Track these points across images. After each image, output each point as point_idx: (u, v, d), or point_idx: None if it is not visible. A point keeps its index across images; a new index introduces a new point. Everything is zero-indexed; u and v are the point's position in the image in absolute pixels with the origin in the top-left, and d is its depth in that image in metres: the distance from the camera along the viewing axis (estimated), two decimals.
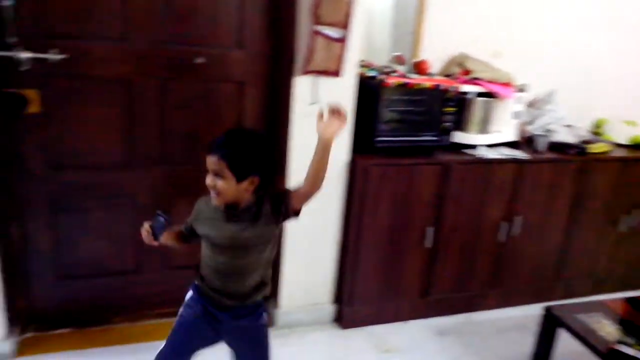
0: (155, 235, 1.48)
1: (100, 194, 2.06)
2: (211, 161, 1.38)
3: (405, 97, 2.19)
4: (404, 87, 2.14)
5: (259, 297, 1.53)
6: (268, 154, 1.48)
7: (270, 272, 1.56)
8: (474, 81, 2.40)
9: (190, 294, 1.56)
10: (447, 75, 2.45)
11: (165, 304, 2.29)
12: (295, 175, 2.14)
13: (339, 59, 2.01)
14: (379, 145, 2.20)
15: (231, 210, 1.45)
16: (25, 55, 1.78)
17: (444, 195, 2.32)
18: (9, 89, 1.83)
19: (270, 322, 2.35)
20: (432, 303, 2.53)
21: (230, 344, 1.59)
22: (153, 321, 2.29)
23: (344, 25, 1.97)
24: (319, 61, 1.98)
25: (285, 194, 1.46)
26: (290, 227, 2.21)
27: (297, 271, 2.30)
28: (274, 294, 2.37)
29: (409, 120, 2.24)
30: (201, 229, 1.50)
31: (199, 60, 2.02)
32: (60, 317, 2.16)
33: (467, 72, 2.43)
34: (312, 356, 2.21)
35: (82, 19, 1.86)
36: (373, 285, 2.38)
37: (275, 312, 2.34)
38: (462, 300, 2.60)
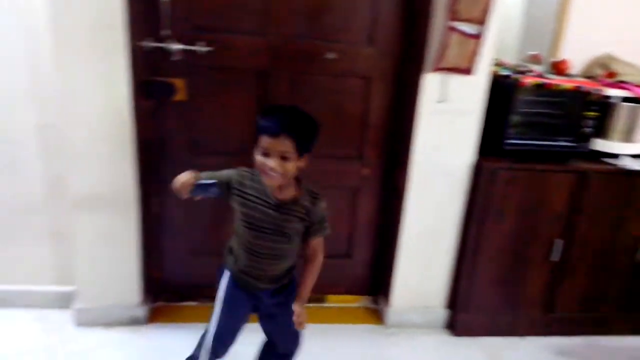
0: (194, 193, 1.46)
1: None
2: (277, 143, 1.37)
3: (542, 99, 2.05)
4: (541, 88, 2.01)
5: (288, 279, 1.61)
6: (318, 127, 1.48)
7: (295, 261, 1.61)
8: (620, 84, 2.19)
9: (225, 277, 1.60)
10: (589, 77, 2.26)
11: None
12: (417, 173, 2.11)
13: (473, 56, 1.93)
14: (508, 148, 2.09)
15: (282, 200, 1.47)
16: (176, 46, 1.93)
17: (578, 206, 2.15)
18: (160, 77, 2.01)
19: (379, 318, 2.36)
20: (554, 321, 2.35)
21: (264, 319, 1.67)
22: None
23: (481, 21, 1.89)
24: (451, 58, 1.93)
25: (322, 225, 1.55)
26: (408, 224, 2.18)
27: (411, 271, 2.26)
28: (385, 292, 2.35)
29: (543, 123, 2.10)
30: (242, 207, 1.49)
31: (330, 55, 2.06)
32: (188, 290, 2.33)
33: (612, 75, 2.23)
34: (420, 358, 2.16)
35: (226, 14, 1.98)
36: (490, 295, 2.27)
37: (386, 310, 2.32)
38: (589, 321, 2.39)
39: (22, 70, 1.93)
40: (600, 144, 2.20)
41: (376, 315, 2.41)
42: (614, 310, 2.38)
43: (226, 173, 1.54)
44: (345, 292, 2.46)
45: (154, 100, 2.04)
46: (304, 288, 1.58)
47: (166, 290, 2.33)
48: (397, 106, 2.18)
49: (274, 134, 1.37)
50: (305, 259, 1.59)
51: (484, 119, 2.08)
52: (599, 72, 2.27)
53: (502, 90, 2.04)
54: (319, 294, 2.43)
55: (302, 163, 1.45)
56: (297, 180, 1.53)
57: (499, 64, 2.17)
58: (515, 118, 2.05)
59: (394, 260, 2.25)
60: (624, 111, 2.19)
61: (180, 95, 2.03)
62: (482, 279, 2.23)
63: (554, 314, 2.33)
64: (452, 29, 1.89)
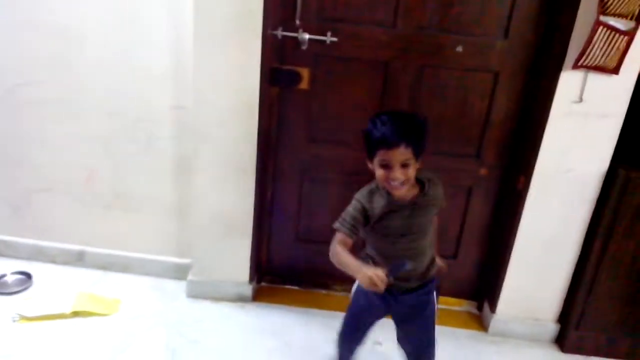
0: (392, 275, 1.35)
1: (343, 169, 2.17)
2: (397, 153, 1.35)
3: None
4: None
5: (432, 272, 1.58)
6: (426, 124, 1.46)
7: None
8: None
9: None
10: None
11: None
12: (540, 177, 1.97)
13: (622, 55, 1.75)
14: None
15: (411, 200, 1.46)
16: (306, 36, 1.94)
17: None
18: (287, 65, 2.03)
19: (482, 324, 2.27)
20: None
21: (397, 317, 1.64)
22: None
23: (636, 16, 1.70)
24: (596, 55, 1.75)
25: (443, 198, 1.57)
26: (524, 230, 2.06)
27: (522, 279, 2.14)
28: (491, 298, 2.25)
29: None
30: (379, 224, 1.47)
31: (459, 49, 1.96)
32: (291, 274, 2.39)
33: None
34: None
35: (354, 4, 1.95)
36: (610, 313, 2.09)
37: (491, 317, 2.22)
38: None
39: (166, 54, 2.04)
40: None
41: (479, 322, 2.32)
42: None
43: (357, 209, 1.48)
44: (449, 295, 2.38)
45: (279, 88, 2.07)
46: (436, 244, 1.65)
47: (271, 272, 2.40)
48: (525, 105, 2.03)
49: (392, 144, 1.35)
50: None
51: (625, 122, 1.88)
52: None
53: None
54: None
55: (419, 164, 1.45)
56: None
57: None
58: None
59: (504, 266, 2.14)
60: None
61: (304, 84, 2.04)
62: (602, 296, 2.06)
63: None
64: (601, 23, 1.71)
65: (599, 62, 1.77)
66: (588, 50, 1.75)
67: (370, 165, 1.46)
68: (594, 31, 1.72)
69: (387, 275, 1.30)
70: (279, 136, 2.15)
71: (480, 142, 2.11)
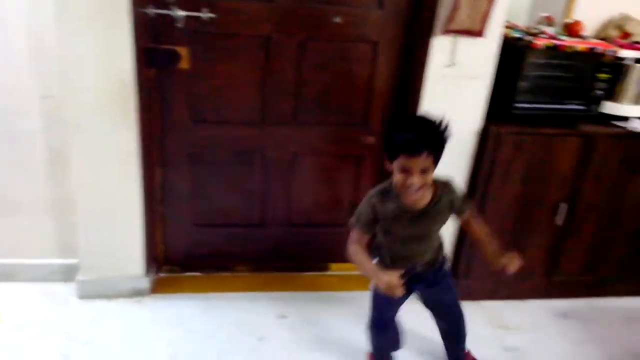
0: (405, 278, 1.40)
1: (234, 149, 2.13)
2: (419, 160, 1.34)
3: (553, 61, 1.99)
4: (553, 50, 1.95)
5: (440, 256, 1.65)
6: (448, 130, 1.42)
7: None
8: (635, 45, 2.13)
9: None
10: (603, 39, 2.19)
11: (283, 258, 2.38)
12: None
13: (485, 18, 1.85)
14: (517, 112, 2.04)
15: (423, 207, 1.47)
16: (180, 13, 1.83)
17: (584, 170, 2.13)
18: (164, 45, 1.92)
19: None
20: (556, 284, 2.38)
21: (424, 294, 1.72)
22: (271, 273, 2.39)
23: None
24: (462, 20, 1.84)
25: (466, 201, 1.60)
26: None
27: None
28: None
29: (553, 86, 2.04)
30: (388, 228, 1.50)
31: (337, 19, 1.96)
32: (191, 261, 2.32)
33: (626, 35, 2.16)
34: (424, 323, 2.16)
35: None
36: None
37: None
38: (590, 284, 2.42)
39: (29, 40, 1.84)
40: (610, 107, 2.16)
41: None
42: (613, 272, 2.41)
43: (370, 206, 1.50)
44: (348, 261, 2.44)
45: (157, 69, 1.95)
46: (481, 239, 1.63)
47: (170, 261, 2.31)
48: (404, 71, 2.11)
49: (415, 152, 1.32)
50: (471, 233, 1.66)
51: (494, 82, 2.02)
52: (614, 33, 2.20)
53: (513, 53, 1.97)
54: (322, 263, 2.44)
55: (436, 167, 1.43)
56: None
57: (510, 26, 2.08)
58: (525, 82, 2.00)
59: None
60: (636, 73, 2.13)
61: (183, 64, 1.94)
62: None
63: (556, 277, 2.36)
64: None
65: (465, 26, 1.86)
66: (454, 16, 1.83)
67: (388, 166, 1.42)
68: None
69: (402, 278, 1.36)
70: (162, 119, 2.04)
71: (365, 111, 2.16)
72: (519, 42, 1.97)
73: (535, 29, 2.07)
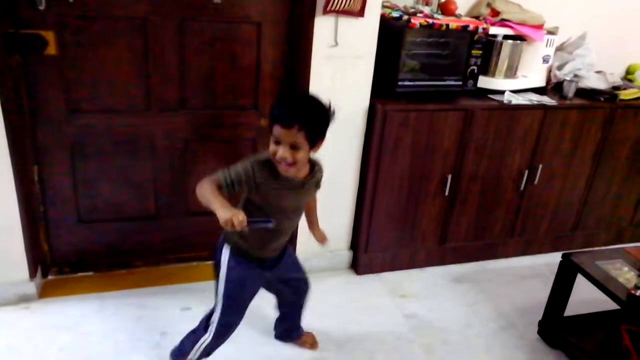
0: (250, 226, 1.33)
1: (119, 139, 2.03)
2: (288, 134, 1.34)
3: (430, 40, 2.08)
4: (429, 29, 2.03)
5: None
6: (331, 114, 1.44)
7: None
8: (503, 23, 2.28)
9: (226, 256, 1.55)
10: (475, 17, 2.32)
11: (182, 249, 2.32)
12: None
13: None
14: (400, 90, 2.12)
15: (302, 180, 1.49)
16: None
17: (465, 143, 2.26)
18: (27, 30, 1.77)
19: None
20: (449, 251, 2.53)
21: (272, 276, 1.67)
22: (171, 265, 2.33)
23: None
24: (341, 0, 1.87)
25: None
26: None
27: None
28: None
29: (433, 63, 2.14)
30: (264, 200, 1.46)
31: (217, 0, 1.91)
32: (82, 260, 2.20)
33: (496, 14, 2.30)
34: (328, 299, 2.23)
35: None
36: (389, 233, 2.37)
37: None
38: (480, 248, 2.60)
39: None
40: (485, 82, 2.30)
41: None
42: (500, 236, 2.60)
43: (240, 172, 1.41)
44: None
45: (21, 56, 1.81)
46: (316, 218, 1.79)
47: (57, 262, 2.18)
48: (290, 53, 2.10)
49: (286, 124, 1.33)
50: (308, 209, 1.74)
51: (377, 62, 2.08)
52: (484, 11, 2.33)
53: (393, 32, 2.03)
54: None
55: (315, 150, 1.43)
56: None
57: (389, 6, 2.15)
58: (406, 60, 2.07)
59: None
60: (506, 49, 2.29)
61: (51, 49, 1.81)
62: (381, 218, 2.32)
63: (448, 244, 2.51)
64: None
65: (345, 6, 1.89)
66: None
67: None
68: None
69: (248, 224, 1.29)
70: (32, 110, 1.90)
71: (255, 93, 2.14)
72: (397, 21, 2.03)
73: (413, 8, 2.14)
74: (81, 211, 2.11)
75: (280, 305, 1.88)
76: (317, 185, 1.61)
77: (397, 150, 2.18)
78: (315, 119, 1.39)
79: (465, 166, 2.32)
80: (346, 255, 2.43)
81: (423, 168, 2.26)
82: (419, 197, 2.32)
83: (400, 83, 2.10)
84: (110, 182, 2.10)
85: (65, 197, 2.06)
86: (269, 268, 1.62)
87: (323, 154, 2.10)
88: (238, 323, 1.63)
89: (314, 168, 1.54)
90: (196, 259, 2.35)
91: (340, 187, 2.26)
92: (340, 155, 2.19)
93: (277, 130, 1.35)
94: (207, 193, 1.35)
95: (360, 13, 1.93)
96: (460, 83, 2.21)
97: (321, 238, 1.78)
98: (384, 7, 2.05)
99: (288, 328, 1.94)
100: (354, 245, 2.41)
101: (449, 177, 2.30)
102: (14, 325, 1.92)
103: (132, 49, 1.92)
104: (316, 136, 1.39)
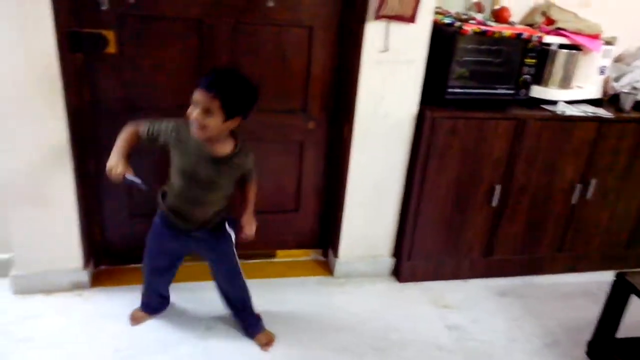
0: (125, 181, 1.52)
1: None
2: (203, 97, 1.46)
3: (482, 47, 2.06)
4: (482, 36, 2.01)
5: (217, 220, 1.72)
6: (255, 96, 1.56)
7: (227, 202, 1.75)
8: (558, 32, 2.22)
9: (157, 216, 1.75)
10: (529, 25, 2.28)
11: None
12: (361, 124, 2.09)
13: (415, 3, 1.90)
14: (450, 97, 2.10)
15: (217, 156, 1.57)
16: None
17: (516, 153, 2.21)
18: (89, 29, 1.87)
19: (328, 269, 2.40)
20: (494, 263, 2.47)
21: (200, 252, 1.82)
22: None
23: None
24: (393, 5, 1.88)
25: (253, 169, 1.72)
26: (354, 176, 2.19)
27: (358, 222, 2.29)
28: (334, 244, 2.38)
29: (484, 71, 2.11)
30: (180, 160, 1.59)
31: (270, 4, 1.96)
32: (132, 252, 2.27)
33: (551, 22, 2.25)
34: (368, 305, 2.23)
35: None
36: (433, 241, 2.34)
37: (334, 262, 2.36)
38: (526, 262, 2.52)
39: None
40: (538, 91, 2.25)
41: (326, 268, 2.45)
42: (547, 251, 2.51)
43: (162, 127, 1.59)
44: (294, 247, 2.47)
45: (82, 54, 1.90)
46: (248, 202, 1.78)
47: (109, 253, 2.26)
48: (340, 57, 2.13)
49: (204, 88, 1.46)
50: (243, 195, 1.78)
51: (427, 68, 2.07)
52: (539, 19, 2.29)
53: (444, 38, 2.02)
54: (268, 250, 2.44)
55: (231, 124, 1.53)
56: (234, 137, 1.62)
57: (441, 12, 2.14)
58: (456, 67, 2.06)
59: (341, 212, 2.27)
60: (561, 58, 2.23)
61: (111, 48, 1.90)
62: (426, 226, 2.29)
63: (494, 256, 2.45)
64: None
65: (396, 12, 1.90)
66: (385, 1, 1.87)
67: None
68: None
69: (123, 177, 1.49)
70: (94, 107, 1.99)
71: (304, 97, 2.17)
72: (449, 28, 2.02)
73: (465, 15, 2.13)
74: (132, 205, 2.19)
75: (221, 292, 1.92)
76: (242, 170, 1.67)
77: (445, 157, 2.16)
78: (232, 92, 1.49)
79: (515, 177, 2.26)
80: (388, 262, 2.41)
81: (471, 177, 2.22)
82: (466, 206, 2.29)
83: (449, 90, 2.08)
84: (158, 177, 2.15)
85: (120, 191, 2.14)
86: (185, 236, 1.71)
87: (369, 156, 2.16)
88: (152, 267, 1.86)
89: (239, 151, 1.61)
90: (241, 257, 2.38)
91: (385, 193, 2.26)
92: (386, 160, 2.19)
93: (196, 93, 1.47)
94: (121, 134, 1.58)
95: (412, 19, 1.93)
96: (512, 92, 2.16)
97: (245, 227, 1.78)
98: (435, 13, 2.04)
99: (242, 326, 1.97)
100: (397, 252, 2.39)
101: (498, 187, 2.26)
102: (68, 312, 2.00)
103: (187, 49, 1.98)
104: (231, 108, 1.48)
